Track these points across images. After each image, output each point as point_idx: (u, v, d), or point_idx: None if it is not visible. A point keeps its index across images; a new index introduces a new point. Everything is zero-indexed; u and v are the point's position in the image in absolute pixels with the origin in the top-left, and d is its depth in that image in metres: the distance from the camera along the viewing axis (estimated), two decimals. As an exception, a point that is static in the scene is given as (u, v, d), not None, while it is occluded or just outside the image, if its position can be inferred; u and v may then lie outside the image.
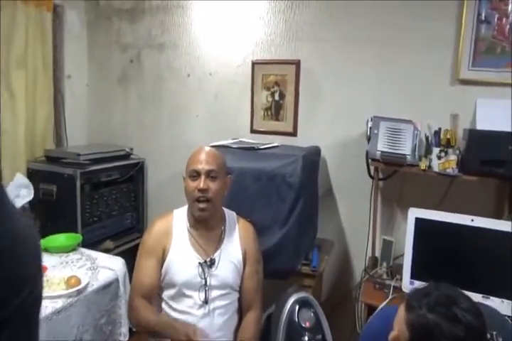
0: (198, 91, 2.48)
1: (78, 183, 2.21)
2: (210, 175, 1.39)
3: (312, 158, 1.94)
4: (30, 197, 2.08)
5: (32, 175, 2.38)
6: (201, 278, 1.39)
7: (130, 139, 2.74)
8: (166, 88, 2.58)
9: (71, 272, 1.76)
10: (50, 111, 2.54)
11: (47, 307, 1.48)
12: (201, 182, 1.37)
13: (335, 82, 2.15)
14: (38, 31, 2.36)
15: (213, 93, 2.44)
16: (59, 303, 1.52)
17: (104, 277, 1.74)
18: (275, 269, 1.68)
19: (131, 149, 2.61)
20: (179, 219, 1.47)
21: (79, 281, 1.62)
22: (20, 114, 2.31)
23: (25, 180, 2.09)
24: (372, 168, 1.97)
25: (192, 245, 1.43)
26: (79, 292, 1.60)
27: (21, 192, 2.07)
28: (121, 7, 2.61)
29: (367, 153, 1.87)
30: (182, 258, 1.41)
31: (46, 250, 2.00)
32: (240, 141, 2.18)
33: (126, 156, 2.60)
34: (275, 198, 1.74)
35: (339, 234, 2.26)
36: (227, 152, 1.88)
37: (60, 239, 2.10)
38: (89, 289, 1.64)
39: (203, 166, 1.38)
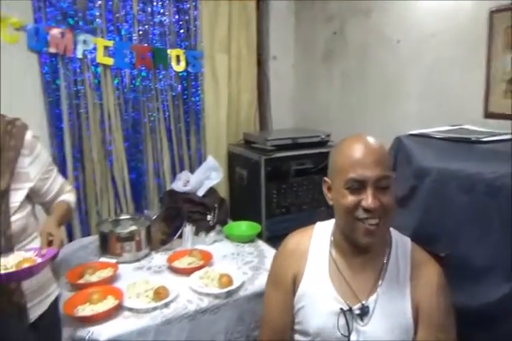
0: (411, 62, 1.91)
1: (263, 170, 2.08)
2: (380, 184, 0.89)
3: None
4: (218, 179, 2.08)
5: (231, 158, 2.43)
6: (342, 335, 0.93)
7: (332, 123, 2.42)
8: (372, 61, 2.11)
9: (235, 267, 1.64)
10: (253, 95, 2.52)
11: (191, 304, 1.39)
12: (369, 198, 0.87)
13: None
14: (243, 15, 2.33)
15: (430, 62, 1.81)
16: (205, 302, 1.40)
17: (262, 283, 1.53)
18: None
19: (328, 135, 2.29)
20: (320, 237, 1.04)
21: (230, 282, 1.47)
22: (222, 97, 2.35)
23: (215, 163, 2.10)
24: None
25: (333, 280, 0.97)
26: (228, 294, 1.44)
27: (212, 175, 2.09)
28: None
29: None
30: (317, 298, 0.98)
31: (227, 237, 1.97)
32: (460, 129, 1.53)
33: (323, 143, 2.30)
34: (499, 225, 1.07)
35: None
36: (426, 144, 1.31)
37: (241, 227, 2.04)
38: (242, 294, 1.47)
39: (370, 172, 0.88)
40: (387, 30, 2.00)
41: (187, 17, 2.20)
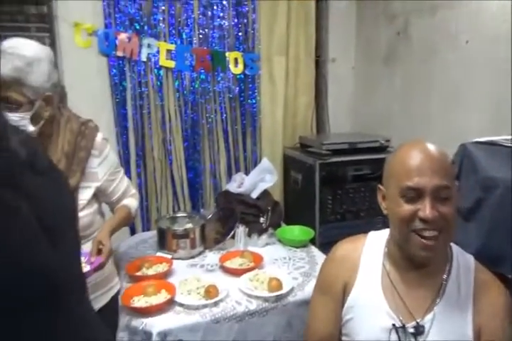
0: (480, 64, 1.78)
1: (317, 174, 2.05)
2: (439, 194, 0.83)
3: None
4: (272, 182, 2.07)
5: (286, 161, 2.42)
6: None
7: (393, 128, 2.33)
8: (437, 62, 2.00)
9: (285, 272, 1.61)
10: (310, 97, 2.49)
11: (240, 305, 1.40)
12: (426, 208, 0.81)
13: None
14: (301, 16, 2.31)
15: (503, 65, 1.68)
16: (253, 305, 1.40)
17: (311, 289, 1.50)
18: None
19: (388, 141, 2.21)
20: (373, 247, 0.99)
21: (280, 286, 1.45)
22: (279, 100, 2.35)
23: (270, 166, 2.10)
24: None
25: (385, 294, 0.92)
26: (277, 298, 1.43)
27: (266, 177, 2.09)
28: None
29: None
30: (367, 311, 0.93)
31: (280, 241, 1.96)
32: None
33: (382, 149, 2.22)
34: None
35: None
36: (495, 153, 1.22)
37: (294, 231, 2.01)
38: (291, 299, 1.45)
39: (428, 181, 0.82)
40: (454, 30, 1.88)
41: (245, 20, 2.23)
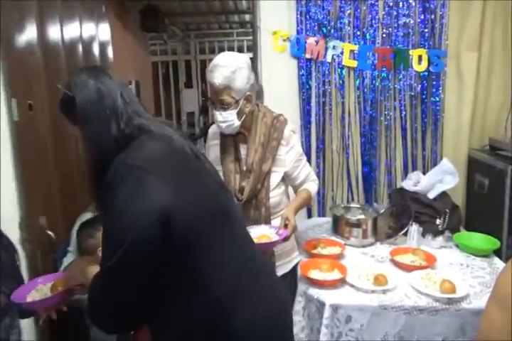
0: None
1: (509, 181, 1.84)
2: None
3: None
4: (452, 184, 1.96)
5: (471, 163, 2.26)
6: None
7: None
8: None
9: (461, 278, 1.52)
10: (507, 96, 2.23)
11: (409, 299, 1.39)
12: None
13: None
14: (500, 9, 2.10)
15: None
16: (423, 301, 1.39)
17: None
18: None
19: None
20: None
21: (453, 289, 1.39)
22: (466, 98, 2.19)
23: (451, 167, 1.98)
24: None
25: None
26: (450, 301, 1.37)
27: (445, 178, 1.99)
28: None
29: None
30: None
31: (457, 246, 1.85)
32: None
33: None
34: None
35: None
36: None
37: (474, 238, 1.87)
38: (466, 305, 1.37)
39: None
40: None
41: (433, 16, 2.15)
